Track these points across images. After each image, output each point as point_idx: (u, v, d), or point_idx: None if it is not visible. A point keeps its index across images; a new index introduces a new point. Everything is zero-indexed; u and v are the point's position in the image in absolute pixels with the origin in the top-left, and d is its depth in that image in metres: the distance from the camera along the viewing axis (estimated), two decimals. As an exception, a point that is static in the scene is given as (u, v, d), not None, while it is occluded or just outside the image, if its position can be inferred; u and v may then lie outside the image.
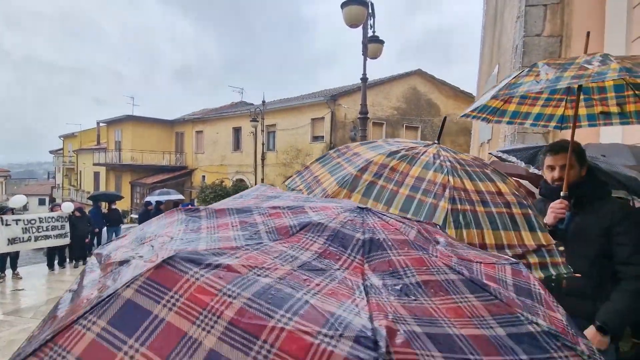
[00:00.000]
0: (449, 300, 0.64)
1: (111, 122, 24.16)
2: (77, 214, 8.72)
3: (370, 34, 6.56)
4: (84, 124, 34.14)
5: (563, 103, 2.15)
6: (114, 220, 10.47)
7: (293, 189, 1.46)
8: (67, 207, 8.59)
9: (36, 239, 7.86)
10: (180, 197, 12.29)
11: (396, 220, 0.84)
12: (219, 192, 16.46)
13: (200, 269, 0.58)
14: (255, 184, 17.95)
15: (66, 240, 8.39)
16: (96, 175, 25.73)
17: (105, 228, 10.24)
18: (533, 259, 1.09)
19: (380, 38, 6.69)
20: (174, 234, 0.73)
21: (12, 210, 7.93)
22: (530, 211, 1.19)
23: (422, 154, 1.25)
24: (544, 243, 1.12)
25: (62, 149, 34.89)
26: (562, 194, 1.68)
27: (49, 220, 8.14)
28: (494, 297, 0.66)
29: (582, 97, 1.97)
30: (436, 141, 1.39)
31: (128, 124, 22.57)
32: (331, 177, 1.29)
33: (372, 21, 6.61)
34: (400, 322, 0.55)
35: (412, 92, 17.37)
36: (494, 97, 1.74)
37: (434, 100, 17.66)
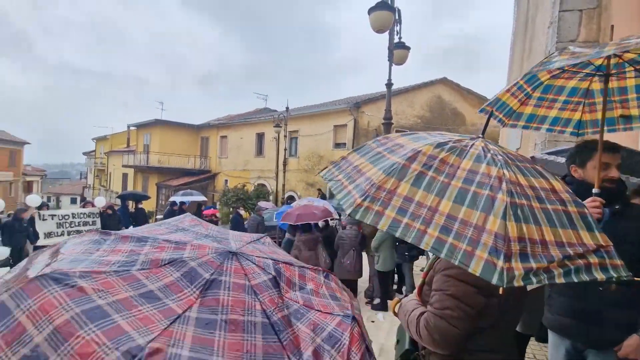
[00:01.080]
0: (238, 337, 0.85)
1: (141, 126, 25.15)
2: (109, 211, 9.07)
3: (396, 40, 6.56)
4: (115, 127, 35.76)
5: (580, 107, 2.03)
6: (140, 220, 10.81)
7: (330, 180, 1.45)
8: (99, 202, 8.98)
9: (69, 233, 8.22)
10: (203, 198, 12.56)
11: (257, 265, 1.07)
12: (241, 196, 16.72)
13: (57, 286, 0.81)
14: (277, 189, 18.07)
15: (96, 236, 8.72)
16: (125, 176, 26.77)
17: (131, 227, 10.60)
18: (593, 259, 1.03)
19: (407, 44, 6.68)
20: (72, 253, 0.97)
21: (47, 206, 8.35)
22: (586, 210, 1.13)
23: (470, 147, 1.21)
24: (603, 244, 1.06)
25: (94, 150, 36.58)
26: (594, 190, 1.60)
27: (81, 216, 8.50)
28: (278, 340, 0.88)
29: (600, 99, 1.88)
30: (481, 135, 1.35)
31: (156, 127, 23.42)
32: (374, 167, 1.24)
33: (398, 27, 6.61)
34: (174, 346, 0.77)
35: (436, 101, 17.15)
36: (526, 79, 1.67)
37: (459, 109, 17.36)
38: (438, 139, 1.29)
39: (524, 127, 2.17)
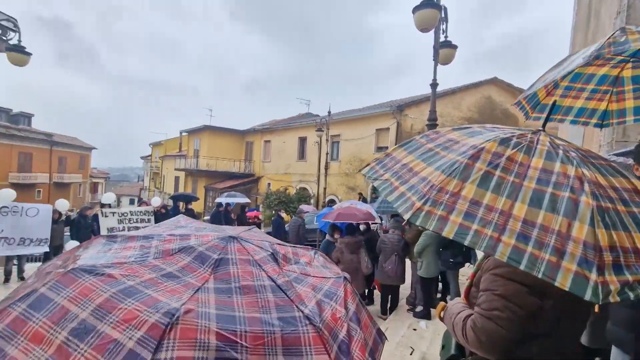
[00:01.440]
0: (252, 297, 1.03)
1: (191, 132, 26.70)
2: (162, 210, 9.71)
3: (442, 39, 6.34)
4: (169, 133, 38.40)
5: (607, 96, 1.85)
6: (190, 219, 11.44)
7: (375, 179, 1.36)
8: (155, 202, 9.69)
9: (128, 229, 8.92)
10: (246, 200, 12.99)
11: (255, 245, 1.26)
12: (283, 199, 17.06)
13: (90, 276, 0.95)
14: (318, 192, 18.16)
15: (150, 234, 9.37)
16: (176, 179, 28.52)
17: (182, 225, 11.24)
18: None
19: (453, 43, 6.42)
20: (89, 254, 1.12)
21: (109, 205, 9.13)
22: None
23: (537, 143, 1.09)
24: None
25: (150, 155, 39.45)
26: None
27: (138, 213, 9.19)
28: (286, 295, 1.07)
29: (630, 87, 1.71)
30: (541, 128, 1.24)
31: (205, 133, 24.71)
32: (430, 167, 1.15)
33: (444, 26, 6.38)
34: (203, 307, 0.93)
35: (486, 102, 16.29)
36: (592, 59, 1.52)
37: (511, 110, 16.34)
38: (498, 133, 1.17)
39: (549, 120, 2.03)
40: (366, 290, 6.05)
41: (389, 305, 5.54)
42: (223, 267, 1.10)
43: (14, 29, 7.33)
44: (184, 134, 28.44)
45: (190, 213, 11.44)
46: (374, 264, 5.50)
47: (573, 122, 1.98)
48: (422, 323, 4.70)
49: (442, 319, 1.44)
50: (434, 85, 6.28)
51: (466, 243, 0.94)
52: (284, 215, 11.01)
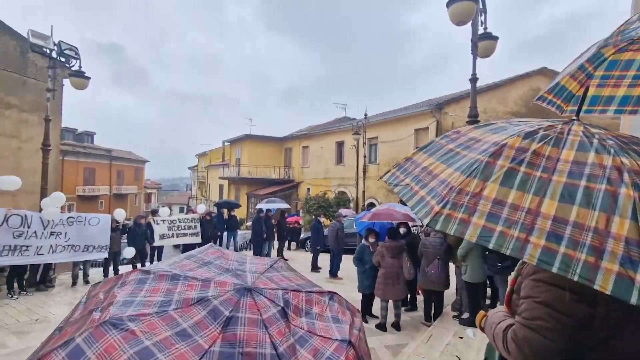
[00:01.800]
0: None
1: (233, 141, 27.81)
2: (207, 217, 10.18)
3: (481, 30, 6.03)
4: (212, 144, 40.34)
5: None
6: (233, 226, 11.85)
7: (396, 185, 1.33)
8: (200, 209, 10.21)
9: (177, 235, 9.46)
10: (285, 205, 13.19)
11: (268, 298, 1.33)
12: (322, 204, 17.13)
13: (116, 331, 1.09)
14: (357, 196, 17.94)
15: (198, 239, 9.82)
16: (221, 187, 29.81)
17: (225, 232, 11.68)
18: None
19: (494, 34, 6.09)
20: (123, 294, 1.29)
21: (154, 212, 9.75)
22: None
23: (568, 134, 1.00)
24: None
25: (196, 165, 41.65)
26: None
27: (185, 221, 9.70)
28: None
29: None
30: (575, 117, 1.13)
31: (246, 142, 25.61)
32: (449, 168, 1.10)
33: (482, 17, 6.07)
34: None
35: (534, 95, 15.18)
36: (603, 47, 1.36)
37: (563, 101, 15.10)
38: (524, 127, 1.09)
39: (587, 112, 1.84)
40: (408, 296, 5.86)
41: (432, 311, 5.31)
42: (232, 327, 1.19)
43: (75, 56, 8.12)
44: (226, 143, 29.70)
45: (233, 220, 11.87)
46: (416, 269, 5.31)
47: (617, 111, 1.81)
48: (469, 331, 4.45)
49: (482, 329, 1.34)
50: (473, 80, 5.99)
51: (490, 246, 0.87)
52: (322, 219, 11.04)
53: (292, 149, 25.24)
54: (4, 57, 8.04)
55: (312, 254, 9.48)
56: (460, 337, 4.33)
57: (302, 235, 13.52)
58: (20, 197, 8.00)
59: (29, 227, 6.67)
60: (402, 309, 5.49)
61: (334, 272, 8.50)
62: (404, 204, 12.00)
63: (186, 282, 1.35)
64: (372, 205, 16.72)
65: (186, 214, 10.73)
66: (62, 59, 7.94)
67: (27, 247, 6.63)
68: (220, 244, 11.61)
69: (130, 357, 1.03)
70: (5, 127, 8.03)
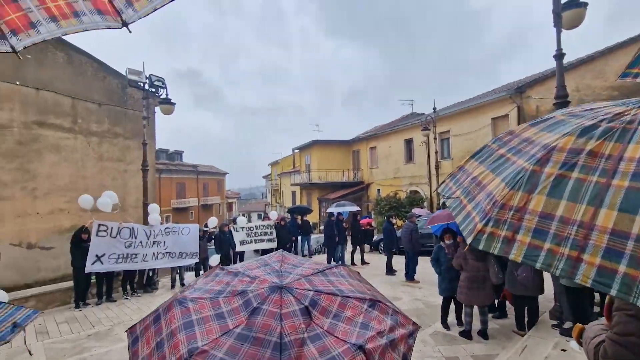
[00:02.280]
0: (255, 349, 1.36)
1: (302, 148, 28.76)
2: (282, 222, 10.66)
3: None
4: (283, 152, 42.38)
5: None
6: (306, 230, 12.20)
7: (448, 197, 1.22)
8: (273, 215, 10.74)
9: (255, 241, 10.07)
10: (355, 208, 13.14)
11: (295, 297, 1.53)
12: (394, 204, 16.68)
13: (179, 307, 1.51)
14: (430, 195, 17.08)
15: (274, 244, 10.35)
16: (293, 193, 31.00)
17: (299, 237, 12.07)
18: None
19: (581, 0, 5.28)
20: (200, 283, 1.76)
21: (235, 220, 10.48)
22: None
23: (639, 123, 0.81)
24: None
25: (270, 174, 44.00)
26: None
27: (262, 227, 10.29)
28: (279, 355, 1.33)
29: None
30: None
31: (314, 147, 26.27)
32: (496, 178, 0.98)
33: (565, -17, 5.32)
34: (215, 350, 1.34)
35: (642, 63, 12.80)
36: None
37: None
38: (584, 120, 0.92)
39: None
40: (496, 301, 5.35)
41: (526, 319, 4.76)
42: (255, 315, 1.42)
43: (162, 86, 9.24)
44: (295, 151, 30.84)
45: (306, 224, 12.22)
46: (502, 272, 4.83)
47: None
48: (574, 343, 3.87)
49: (581, 343, 1.15)
50: (559, 56, 5.27)
51: (538, 266, 0.77)
52: (395, 220, 10.73)
53: (359, 151, 25.14)
54: (110, 95, 9.53)
55: (386, 257, 9.27)
56: (563, 350, 3.80)
57: (375, 237, 13.32)
58: (128, 212, 9.33)
59: (136, 238, 7.73)
60: (489, 315, 5.03)
61: (410, 275, 8.18)
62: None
63: (241, 278, 1.68)
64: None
65: (262, 220, 11.35)
66: (153, 90, 9.11)
67: (136, 255, 7.69)
68: (295, 248, 12.05)
69: (178, 326, 1.40)
70: (114, 153, 9.49)
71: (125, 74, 8.92)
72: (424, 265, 9.53)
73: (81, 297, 7.16)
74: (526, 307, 4.78)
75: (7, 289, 6.48)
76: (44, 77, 8.06)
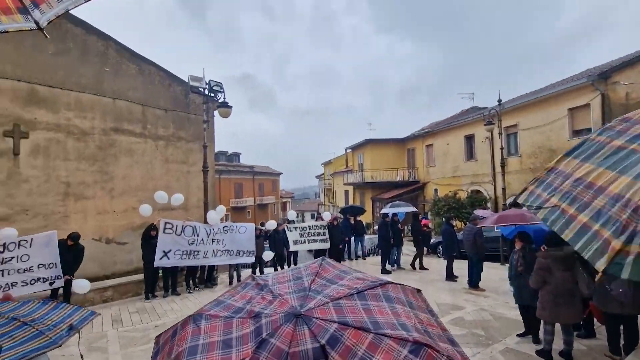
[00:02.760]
0: None
1: (355, 147, 28.46)
2: (335, 222, 10.55)
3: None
4: (336, 152, 42.42)
5: None
6: (359, 231, 11.95)
7: (538, 208, 0.94)
8: (326, 216, 10.66)
9: (308, 241, 10.08)
10: (412, 208, 12.56)
11: (313, 330, 1.27)
12: (453, 205, 15.70)
13: (193, 324, 1.44)
14: (495, 194, 15.76)
15: (327, 245, 10.27)
16: (346, 193, 30.83)
17: (352, 237, 11.85)
18: None
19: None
20: (227, 295, 1.66)
21: (294, 221, 10.58)
22: None
23: None
24: None
25: (323, 174, 44.31)
26: None
27: (315, 227, 10.26)
28: None
29: None
30: None
31: (367, 146, 25.83)
32: (623, 175, 0.71)
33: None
34: None
35: None
36: None
37: None
38: None
39: None
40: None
41: (622, 341, 4.04)
42: (261, 350, 1.23)
43: (220, 90, 9.64)
44: (348, 150, 30.63)
45: (359, 225, 11.97)
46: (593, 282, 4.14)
47: None
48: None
49: None
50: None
51: None
52: (454, 222, 10.03)
53: (414, 149, 24.15)
54: (175, 101, 10.21)
55: (446, 261, 8.67)
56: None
57: (433, 240, 12.61)
58: (191, 212, 9.89)
59: (197, 236, 8.14)
60: (574, 334, 4.37)
61: (473, 283, 7.54)
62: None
63: (265, 294, 1.50)
64: (516, 205, 14.40)
65: (315, 220, 11.33)
66: (212, 94, 9.55)
67: (197, 251, 8.10)
68: (349, 249, 11.85)
69: (184, 349, 1.30)
70: (178, 156, 10.15)
71: (187, 81, 9.47)
72: (490, 271, 8.76)
73: (150, 289, 7.73)
74: (621, 327, 4.05)
75: (90, 279, 7.21)
76: (119, 88, 8.86)
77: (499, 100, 13.19)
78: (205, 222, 8.49)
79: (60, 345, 1.15)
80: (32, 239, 6.35)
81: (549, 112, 13.79)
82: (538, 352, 4.26)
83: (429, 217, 18.15)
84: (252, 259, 8.92)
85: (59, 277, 6.55)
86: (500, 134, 13.01)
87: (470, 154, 18.68)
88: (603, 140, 0.90)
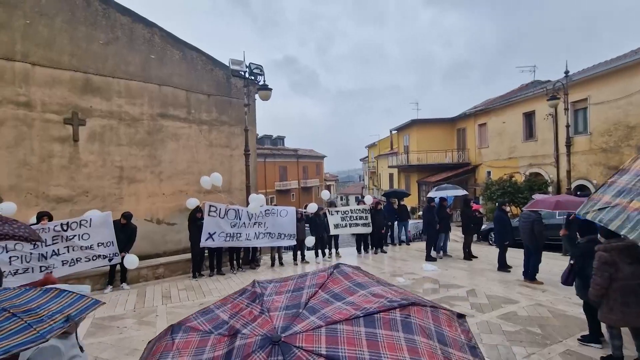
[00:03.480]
0: None
1: (400, 129, 27.37)
2: (379, 207, 10.21)
3: None
4: (380, 134, 41.25)
5: None
6: (403, 216, 11.49)
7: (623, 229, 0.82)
8: (368, 199, 10.34)
9: (350, 225, 9.89)
10: (462, 192, 11.74)
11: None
12: (508, 189, 14.49)
13: (168, 337, 1.28)
14: (558, 178, 14.33)
15: (369, 229, 10.00)
16: (390, 176, 30.00)
17: (396, 222, 11.43)
18: None
19: None
20: (216, 304, 1.45)
21: (335, 204, 10.42)
22: None
23: None
24: None
25: (367, 156, 43.51)
26: None
27: (357, 211, 10.01)
28: None
29: None
30: None
31: (413, 128, 24.67)
32: None
33: None
34: None
35: None
36: None
37: None
38: None
39: None
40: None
41: None
42: None
43: (260, 73, 9.57)
44: (393, 132, 29.57)
45: (403, 209, 11.50)
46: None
47: None
48: None
49: None
50: None
51: None
52: (509, 208, 9.20)
53: (465, 129, 22.59)
54: (217, 85, 10.36)
55: (499, 250, 8.00)
56: None
57: (484, 226, 11.76)
58: (234, 194, 10.13)
59: (240, 219, 8.31)
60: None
61: (530, 274, 6.86)
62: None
63: (253, 308, 1.29)
64: (583, 189, 12.91)
65: (358, 204, 11.07)
66: (252, 78, 9.51)
67: (240, 234, 8.29)
68: (392, 234, 11.47)
69: None
70: (221, 140, 10.36)
71: (228, 65, 9.51)
72: (549, 262, 7.94)
73: (197, 268, 8.08)
74: None
75: (142, 257, 7.70)
76: (164, 74, 9.14)
77: (566, 72, 11.67)
78: (247, 205, 8.63)
79: (47, 340, 1.06)
80: (90, 219, 6.87)
81: (628, 83, 11.95)
82: (605, 359, 3.71)
83: (480, 201, 17.01)
84: (293, 242, 8.96)
85: (116, 254, 7.06)
86: (566, 109, 11.56)
87: (529, 133, 17.01)
88: None
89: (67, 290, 1.40)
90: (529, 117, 16.88)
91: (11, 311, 1.10)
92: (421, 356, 0.96)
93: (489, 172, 19.53)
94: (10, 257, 5.99)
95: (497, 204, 9.08)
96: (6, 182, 6.89)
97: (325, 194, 10.74)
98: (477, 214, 10.07)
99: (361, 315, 1.08)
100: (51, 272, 6.20)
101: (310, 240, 9.31)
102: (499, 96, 22.62)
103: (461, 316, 1.28)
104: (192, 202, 8.08)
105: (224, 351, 1.05)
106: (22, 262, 6.11)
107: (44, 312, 1.18)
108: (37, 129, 7.25)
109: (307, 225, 9.89)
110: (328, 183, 48.06)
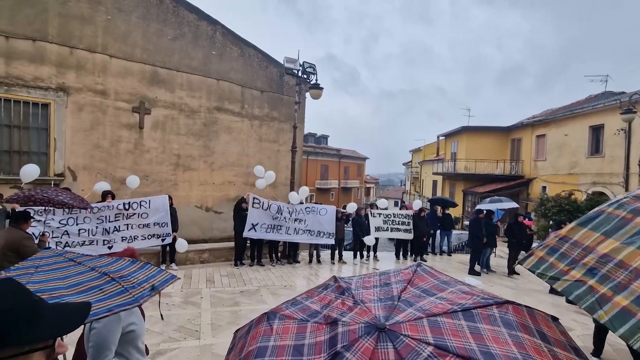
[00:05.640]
0: None
1: (449, 135, 26.38)
2: (422, 214, 9.95)
3: None
4: (426, 139, 39.96)
5: None
6: (447, 225, 11.08)
7: (554, 279, 1.05)
8: (417, 205, 10.09)
9: (390, 229, 9.74)
10: (514, 204, 11.08)
11: (401, 348, 0.97)
12: (566, 207, 13.41)
13: (266, 322, 1.33)
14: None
15: (410, 236, 9.78)
16: (434, 183, 29.03)
17: (438, 231, 11.06)
18: None
19: None
20: (302, 295, 1.49)
21: (376, 206, 10.30)
22: None
23: None
24: None
25: (410, 161, 42.46)
26: None
27: (399, 216, 9.83)
28: None
29: None
30: None
31: (463, 135, 23.66)
32: None
33: None
34: None
35: None
36: None
37: None
38: None
39: None
40: None
41: None
42: None
43: (313, 72, 9.72)
44: (441, 138, 28.57)
45: (447, 218, 11.10)
46: None
47: None
48: None
49: None
50: None
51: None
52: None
53: (521, 140, 21.22)
54: (270, 82, 10.69)
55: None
56: None
57: (534, 245, 10.99)
58: (278, 189, 10.39)
59: (281, 214, 8.53)
60: None
61: (588, 301, 6.31)
62: None
63: (345, 299, 1.32)
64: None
65: (400, 209, 10.86)
66: (304, 76, 9.69)
67: (280, 227, 8.50)
68: (433, 243, 11.12)
69: (254, 348, 1.17)
70: (270, 135, 10.68)
71: (282, 63, 9.77)
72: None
73: (239, 256, 8.42)
74: None
75: (191, 241, 8.17)
76: (223, 69, 9.60)
77: (647, 83, 10.53)
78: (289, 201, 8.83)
79: (141, 304, 1.18)
80: (150, 200, 7.42)
81: None
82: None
83: (532, 217, 15.93)
84: (331, 241, 9.01)
85: (169, 234, 7.56)
86: (643, 125, 10.46)
87: (595, 148, 15.60)
88: (624, 215, 0.89)
89: (149, 263, 1.53)
90: (597, 130, 15.48)
91: (111, 276, 1.24)
92: (529, 351, 0.95)
93: (544, 187, 18.21)
94: (79, 230, 6.66)
95: (551, 221, 8.45)
96: (81, 162, 7.65)
97: (382, 203, 10.56)
98: (529, 230, 9.45)
99: (459, 309, 1.09)
100: (111, 246, 6.81)
101: (370, 239, 9.32)
102: (561, 107, 21.00)
103: (555, 319, 1.24)
104: (132, 180, 7.55)
105: (327, 337, 1.09)
106: (88, 235, 6.76)
107: (134, 279, 1.31)
108: (110, 115, 7.96)
109: (347, 224, 9.90)
110: (368, 185, 47.60)
